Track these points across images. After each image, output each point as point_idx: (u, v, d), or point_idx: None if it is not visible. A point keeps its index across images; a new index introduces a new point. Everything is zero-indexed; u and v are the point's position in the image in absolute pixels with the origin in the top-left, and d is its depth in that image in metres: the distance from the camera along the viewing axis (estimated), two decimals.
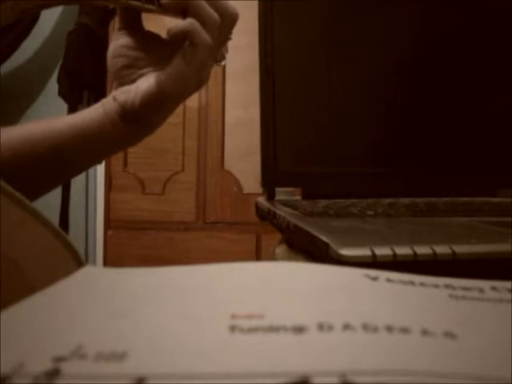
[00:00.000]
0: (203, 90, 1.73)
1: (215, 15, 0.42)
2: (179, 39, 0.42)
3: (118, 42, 0.44)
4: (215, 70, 1.68)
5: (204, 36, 0.41)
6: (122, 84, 0.44)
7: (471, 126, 0.63)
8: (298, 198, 0.56)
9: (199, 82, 0.44)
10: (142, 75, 0.44)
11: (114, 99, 0.44)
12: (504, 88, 0.63)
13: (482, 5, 0.64)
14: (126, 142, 0.47)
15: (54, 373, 0.11)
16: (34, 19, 1.63)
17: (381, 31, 0.62)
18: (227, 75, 1.71)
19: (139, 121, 0.44)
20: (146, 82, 0.43)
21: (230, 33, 0.45)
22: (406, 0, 0.63)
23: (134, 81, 0.44)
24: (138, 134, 0.46)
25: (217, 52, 0.45)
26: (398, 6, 0.63)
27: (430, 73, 0.63)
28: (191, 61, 0.42)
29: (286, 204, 0.49)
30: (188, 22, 0.41)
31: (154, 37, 0.45)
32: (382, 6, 0.62)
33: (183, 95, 0.44)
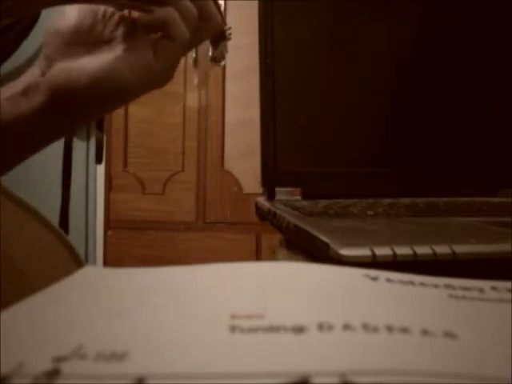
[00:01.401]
0: (203, 90, 1.73)
1: (194, 10, 0.37)
2: (151, 30, 0.36)
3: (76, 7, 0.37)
4: (215, 70, 1.68)
5: (183, 29, 0.36)
6: (55, 60, 0.37)
7: (471, 126, 0.63)
8: (298, 198, 0.56)
9: (166, 79, 0.38)
10: (88, 53, 0.37)
11: (42, 74, 0.36)
12: (504, 88, 0.63)
13: (482, 5, 0.64)
14: (44, 135, 0.39)
15: (54, 373, 0.11)
16: (33, 19, 1.63)
17: (380, 31, 0.62)
18: (227, 75, 1.71)
19: (77, 109, 0.37)
20: (97, 62, 0.36)
21: (203, 41, 0.41)
22: (406, 0, 0.63)
23: (73, 57, 0.36)
24: (62, 126, 0.39)
25: (187, 53, 0.40)
26: (399, 6, 0.63)
27: (430, 73, 0.63)
28: (163, 55, 0.36)
29: (286, 204, 0.49)
30: (166, 11, 0.35)
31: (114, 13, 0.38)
32: (382, 6, 0.62)
33: (145, 90, 0.38)
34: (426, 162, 0.62)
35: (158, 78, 0.38)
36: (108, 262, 1.75)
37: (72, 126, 0.40)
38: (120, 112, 1.75)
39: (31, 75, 0.37)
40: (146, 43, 0.37)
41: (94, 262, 1.83)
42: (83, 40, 0.37)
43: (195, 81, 1.75)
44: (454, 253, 0.26)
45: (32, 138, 0.39)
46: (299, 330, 0.13)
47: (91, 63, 0.36)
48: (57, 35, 0.37)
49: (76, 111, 0.38)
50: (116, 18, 0.38)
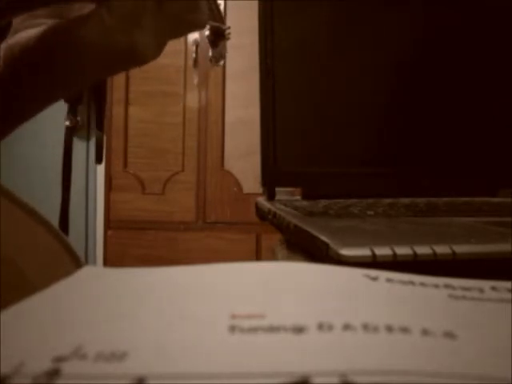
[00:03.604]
0: (203, 90, 1.73)
1: None
2: None
3: None
4: (215, 70, 1.68)
5: None
6: (18, 30, 0.36)
7: (471, 126, 0.63)
8: (298, 198, 0.56)
9: (125, 43, 0.35)
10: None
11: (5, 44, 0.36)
12: (504, 88, 0.63)
13: (482, 5, 0.64)
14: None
15: (54, 373, 0.11)
16: None
17: (381, 31, 0.62)
18: (227, 75, 1.71)
19: (32, 72, 0.36)
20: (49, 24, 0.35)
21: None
22: (406, 0, 0.63)
23: (35, 27, 0.35)
24: (34, 96, 0.37)
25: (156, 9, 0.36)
26: (399, 6, 0.63)
27: (430, 73, 0.63)
28: (117, 11, 0.34)
29: (286, 204, 0.49)
30: None
31: None
32: (382, 6, 0.62)
33: (105, 51, 0.35)
34: (426, 162, 0.62)
35: (114, 35, 0.35)
36: (108, 262, 1.75)
37: (42, 97, 0.39)
38: (120, 112, 1.75)
39: None
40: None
41: (94, 262, 1.83)
42: (54, 13, 0.36)
43: (195, 81, 1.75)
44: (453, 253, 0.26)
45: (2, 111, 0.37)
46: (299, 330, 0.13)
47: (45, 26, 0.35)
48: None
49: (33, 76, 0.36)
50: None
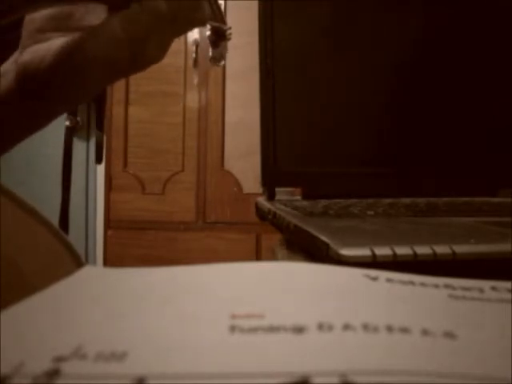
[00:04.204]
0: (203, 90, 1.73)
1: None
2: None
3: None
4: (215, 70, 1.68)
5: None
6: (27, 46, 0.36)
7: (471, 126, 0.63)
8: (298, 198, 0.56)
9: (134, 54, 0.35)
10: (63, 37, 0.35)
11: (15, 61, 0.35)
12: (504, 88, 0.63)
13: (482, 5, 0.64)
14: (20, 126, 0.38)
15: (54, 373, 0.11)
16: None
17: (381, 31, 0.62)
18: (227, 75, 1.71)
19: (44, 90, 0.36)
20: (63, 39, 0.34)
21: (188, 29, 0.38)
22: (406, 0, 0.63)
23: (45, 41, 0.36)
24: (38, 113, 0.37)
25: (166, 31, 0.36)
26: (399, 6, 0.63)
27: (430, 73, 0.63)
28: (130, 25, 0.33)
29: (286, 204, 0.49)
30: None
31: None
32: (382, 6, 0.62)
33: (112, 64, 0.35)
34: (426, 162, 0.62)
35: (124, 48, 0.34)
36: (108, 262, 1.75)
37: (46, 113, 0.39)
38: (120, 112, 1.75)
39: (4, 65, 0.37)
40: (116, 14, 0.34)
41: (94, 262, 1.83)
42: (61, 26, 0.36)
43: (195, 81, 1.75)
44: (453, 253, 0.26)
45: (5, 129, 0.38)
46: (299, 330, 0.13)
47: (57, 42, 0.35)
48: (31, 22, 0.37)
49: (44, 94, 0.36)
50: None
